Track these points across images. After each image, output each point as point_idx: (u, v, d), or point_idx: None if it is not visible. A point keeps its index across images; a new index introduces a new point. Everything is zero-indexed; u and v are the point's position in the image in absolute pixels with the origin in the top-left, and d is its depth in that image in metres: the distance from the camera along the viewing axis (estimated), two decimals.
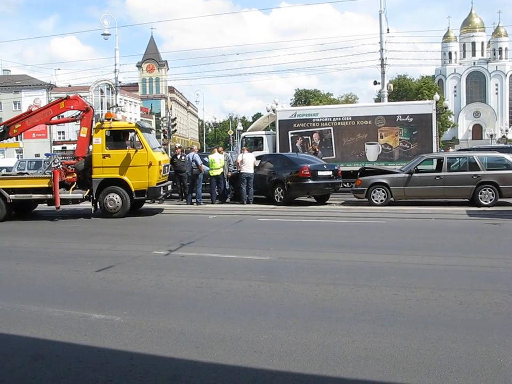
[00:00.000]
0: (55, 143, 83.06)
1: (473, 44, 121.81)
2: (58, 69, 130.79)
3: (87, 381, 4.02)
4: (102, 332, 5.08)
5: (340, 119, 23.21)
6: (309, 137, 23.51)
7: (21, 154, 69.13)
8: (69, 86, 69.35)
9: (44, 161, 29.77)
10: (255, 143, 24.45)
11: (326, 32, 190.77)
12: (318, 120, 23.53)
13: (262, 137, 24.87)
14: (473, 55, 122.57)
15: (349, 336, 4.81)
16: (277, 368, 4.13)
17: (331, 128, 23.28)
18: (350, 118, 23.00)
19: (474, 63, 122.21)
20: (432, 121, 21.74)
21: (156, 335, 4.97)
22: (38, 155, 57.53)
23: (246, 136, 25.98)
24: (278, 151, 23.20)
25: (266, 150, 23.63)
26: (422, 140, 21.62)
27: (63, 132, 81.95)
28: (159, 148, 16.62)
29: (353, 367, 4.11)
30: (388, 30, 31.79)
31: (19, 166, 29.90)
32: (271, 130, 27.20)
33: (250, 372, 4.11)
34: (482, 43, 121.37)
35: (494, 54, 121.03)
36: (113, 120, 15.52)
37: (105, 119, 15.46)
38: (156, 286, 7.02)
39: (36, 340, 4.96)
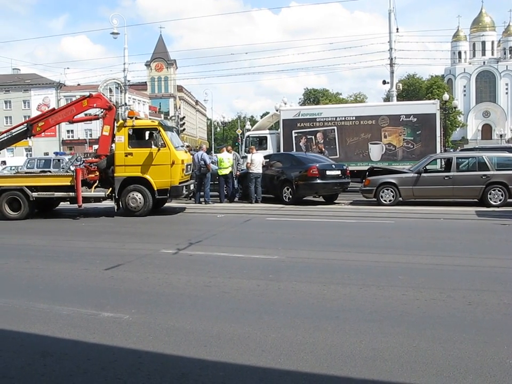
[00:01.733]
0: (64, 142, 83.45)
1: (483, 43, 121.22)
2: (68, 68, 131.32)
3: (95, 378, 4.04)
4: (111, 330, 5.10)
5: (343, 118, 23.17)
6: (313, 137, 23.50)
7: (30, 153, 69.44)
8: (78, 84, 69.75)
9: (53, 159, 29.92)
10: (260, 142, 24.43)
11: (335, 32, 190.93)
12: (322, 119, 23.51)
13: (266, 137, 24.92)
14: (483, 54, 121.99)
15: (357, 336, 4.80)
16: (285, 368, 4.14)
17: (335, 127, 23.25)
18: (354, 118, 22.96)
19: (484, 62, 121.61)
20: (436, 121, 21.66)
21: (164, 333, 4.99)
22: (47, 154, 57.74)
23: (250, 136, 26.00)
24: (281, 150, 23.21)
25: (270, 149, 23.67)
26: (426, 140, 21.55)
27: (72, 131, 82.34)
28: (182, 146, 16.58)
29: (361, 367, 4.11)
30: (397, 29, 31.70)
31: (28, 164, 30.00)
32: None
33: (258, 371, 4.11)
34: (493, 42, 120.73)
35: (504, 54, 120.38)
36: (136, 118, 15.53)
37: (128, 117, 15.43)
38: (164, 284, 7.04)
39: (44, 337, 4.99)
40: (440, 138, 21.69)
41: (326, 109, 25.74)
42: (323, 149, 21.89)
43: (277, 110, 29.42)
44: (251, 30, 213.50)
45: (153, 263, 8.46)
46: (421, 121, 21.78)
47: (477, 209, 15.10)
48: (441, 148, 21.93)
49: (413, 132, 21.92)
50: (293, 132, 23.74)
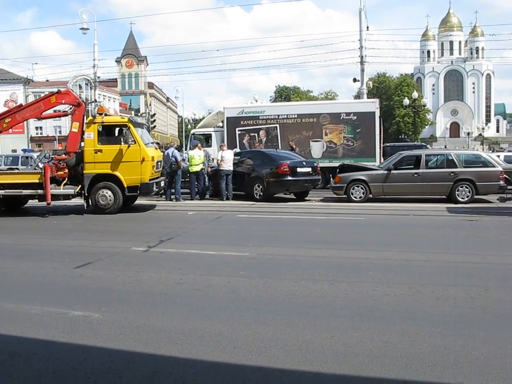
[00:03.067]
0: (32, 139, 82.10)
1: (451, 43, 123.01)
2: (36, 63, 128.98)
3: (65, 378, 4.00)
4: (81, 329, 5.05)
5: (286, 116, 23.50)
6: (256, 134, 23.76)
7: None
8: (47, 80, 68.64)
9: (21, 156, 29.42)
10: (206, 140, 24.61)
11: (307, 30, 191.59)
12: (265, 117, 23.79)
13: (210, 134, 25.16)
14: (451, 54, 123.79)
15: (327, 331, 4.84)
16: (256, 364, 4.15)
17: (277, 125, 23.57)
18: (296, 116, 23.31)
19: (452, 61, 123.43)
20: (375, 119, 22.05)
21: (135, 331, 4.96)
22: (15, 151, 56.71)
23: (196, 133, 26.20)
24: None
25: (214, 147, 23.79)
26: (365, 138, 21.90)
27: (41, 128, 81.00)
28: (152, 143, 16.44)
29: (332, 362, 4.15)
30: (367, 27, 31.94)
31: None
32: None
33: (230, 367, 4.12)
34: (460, 42, 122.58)
35: (471, 53, 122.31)
36: (106, 114, 15.34)
37: (98, 113, 15.22)
38: (135, 282, 6.99)
39: (13, 337, 4.91)
40: (380, 136, 22.01)
41: (269, 107, 26.03)
42: (294, 146, 21.99)
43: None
44: (223, 28, 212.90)
45: (123, 261, 8.40)
46: (360, 119, 22.21)
47: (445, 206, 15.34)
48: (380, 146, 22.27)
49: (353, 129, 22.34)
50: (237, 129, 23.99)
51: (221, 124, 26.49)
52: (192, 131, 27.81)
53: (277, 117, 23.61)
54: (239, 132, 23.91)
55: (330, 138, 22.68)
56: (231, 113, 24.34)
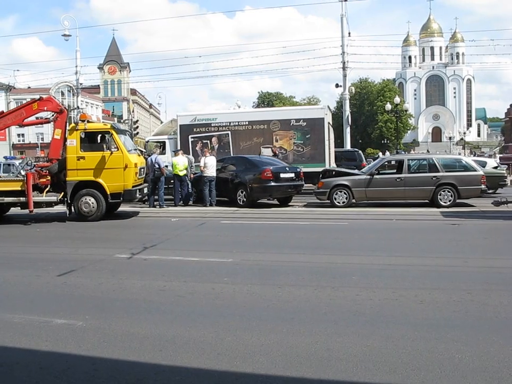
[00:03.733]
0: (14, 146, 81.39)
1: (432, 48, 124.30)
2: (18, 70, 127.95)
3: None
4: (64, 337, 5.01)
5: (237, 123, 23.81)
6: (208, 141, 24.07)
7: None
8: (29, 87, 68.01)
9: (3, 164, 29.20)
10: (161, 147, 24.85)
11: (290, 36, 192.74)
12: (217, 124, 24.07)
13: (164, 142, 25.44)
14: (432, 59, 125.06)
15: (312, 336, 4.85)
16: (241, 370, 4.15)
17: (229, 132, 23.87)
18: (247, 123, 23.57)
19: (433, 67, 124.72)
20: (324, 125, 22.30)
21: (119, 339, 4.93)
22: None
23: (150, 140, 26.65)
24: None
25: (168, 154, 24.10)
26: (315, 143, 22.16)
27: (23, 135, 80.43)
28: (135, 150, 16.38)
29: (317, 367, 4.16)
30: (349, 33, 32.25)
31: None
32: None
33: (214, 374, 4.11)
34: (441, 48, 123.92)
35: (452, 59, 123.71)
36: (88, 121, 15.24)
37: (80, 120, 15.11)
38: (118, 289, 6.95)
39: None
40: (329, 142, 22.28)
41: (221, 114, 26.24)
42: (277, 152, 22.05)
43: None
44: (206, 34, 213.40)
45: (107, 268, 8.35)
46: (310, 125, 22.48)
47: (428, 210, 15.46)
48: (329, 151, 22.54)
49: (303, 135, 22.61)
50: (190, 136, 24.26)
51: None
52: (147, 139, 28.14)
53: (228, 124, 23.96)
54: (192, 139, 24.21)
55: (280, 144, 23.07)
56: (184, 120, 24.61)
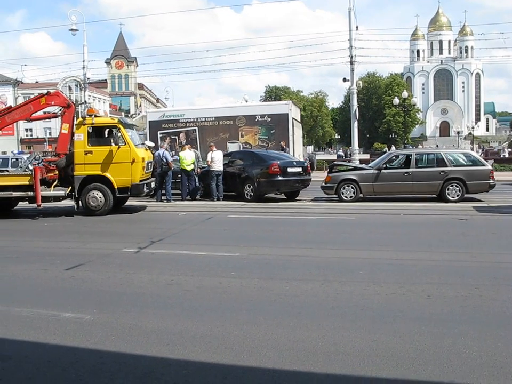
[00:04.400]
0: (22, 140, 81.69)
1: (441, 42, 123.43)
2: (25, 65, 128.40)
3: (56, 380, 3.98)
4: (72, 331, 5.03)
5: (204, 119, 24.39)
6: (176, 137, 24.70)
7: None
8: (36, 82, 68.26)
9: (11, 158, 29.26)
10: None
11: (297, 30, 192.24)
12: (184, 120, 24.72)
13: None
14: (441, 53, 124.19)
15: (319, 331, 4.85)
16: (248, 364, 4.15)
17: (196, 128, 24.47)
18: (213, 118, 24.02)
19: (441, 61, 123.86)
20: (288, 120, 22.38)
21: (126, 333, 4.95)
22: (5, 153, 56.42)
23: None
24: None
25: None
26: (279, 139, 22.36)
27: (31, 129, 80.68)
28: (142, 144, 16.41)
29: (324, 361, 4.16)
30: (357, 27, 31.94)
31: None
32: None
33: (222, 368, 4.12)
34: (449, 41, 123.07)
35: (461, 53, 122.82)
36: (96, 116, 15.26)
37: (87, 115, 15.12)
38: (126, 283, 6.97)
39: (3, 340, 4.89)
40: (293, 137, 22.38)
41: (188, 110, 26.53)
42: (285, 146, 22.05)
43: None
44: (214, 28, 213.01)
45: (114, 262, 8.38)
46: (274, 121, 22.69)
47: (435, 205, 15.41)
48: (293, 146, 22.63)
49: (268, 131, 22.85)
50: (158, 132, 24.78)
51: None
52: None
53: (195, 120, 24.55)
54: (161, 135, 24.71)
55: (246, 139, 23.48)
56: (153, 117, 25.23)
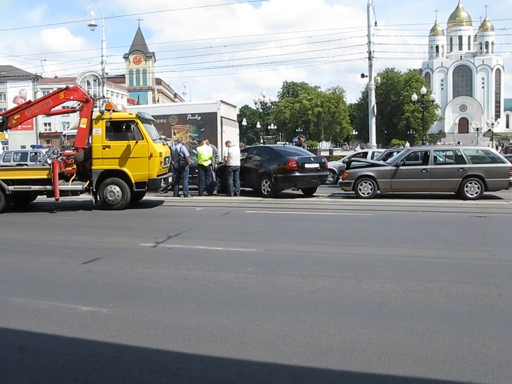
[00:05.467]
0: (41, 135, 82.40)
1: (460, 37, 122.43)
2: (45, 60, 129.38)
3: (73, 373, 4.01)
4: (89, 324, 5.07)
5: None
6: None
7: (7, 146, 68.28)
8: (55, 77, 68.76)
9: (30, 152, 29.55)
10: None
11: (315, 26, 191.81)
12: None
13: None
14: (460, 48, 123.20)
15: (335, 327, 4.83)
16: (264, 360, 4.14)
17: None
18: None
19: (461, 56, 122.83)
20: (217, 119, 22.41)
21: (143, 327, 4.97)
22: (24, 147, 56.98)
23: (66, 134, 27.74)
24: None
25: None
26: (208, 136, 22.35)
27: (49, 124, 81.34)
28: (160, 139, 16.46)
29: (340, 358, 4.14)
30: (375, 23, 31.81)
31: (5, 157, 29.57)
32: None
33: (237, 363, 4.12)
34: (469, 37, 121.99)
35: (481, 48, 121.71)
36: (114, 110, 15.32)
37: (106, 109, 15.20)
38: (143, 278, 7.00)
39: (21, 332, 4.94)
40: (221, 135, 22.50)
41: (128, 109, 26.96)
42: (303, 142, 22.00)
43: (257, 103, 29.48)
44: (232, 24, 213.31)
45: (131, 257, 8.42)
46: (204, 119, 22.82)
47: (454, 202, 15.28)
48: (221, 143, 22.66)
49: (198, 129, 23.01)
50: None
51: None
52: (64, 132, 29.19)
53: None
54: None
55: (178, 137, 23.45)
56: (94, 115, 25.57)
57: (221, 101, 22.72)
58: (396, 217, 13.14)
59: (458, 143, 69.49)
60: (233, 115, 24.65)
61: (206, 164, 18.30)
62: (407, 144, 65.60)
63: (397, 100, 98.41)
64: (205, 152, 18.32)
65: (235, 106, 24.57)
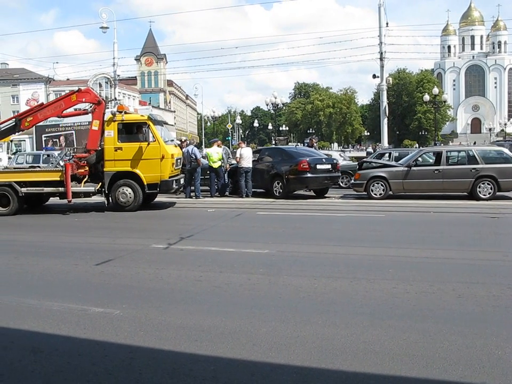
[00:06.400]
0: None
1: (472, 37, 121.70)
2: (57, 62, 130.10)
3: (86, 374, 4.03)
4: (101, 325, 5.09)
5: (79, 123, 27.04)
6: (57, 140, 28.10)
7: (19, 148, 68.69)
8: (67, 79, 69.18)
9: (42, 154, 29.70)
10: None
11: (327, 27, 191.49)
12: (64, 125, 27.76)
13: (25, 140, 30.29)
14: (472, 48, 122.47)
15: (347, 329, 4.82)
16: (276, 361, 4.14)
17: (73, 131, 27.80)
18: (87, 123, 24.63)
19: (473, 56, 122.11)
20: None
21: (155, 328, 4.98)
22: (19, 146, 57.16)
23: (13, 140, 30.11)
24: None
25: (29, 150, 28.37)
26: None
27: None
28: (172, 141, 16.45)
29: (352, 360, 4.13)
30: (387, 23, 31.67)
31: (17, 159, 29.73)
32: None
33: (249, 364, 4.12)
34: (482, 36, 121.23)
35: (493, 48, 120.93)
36: (125, 112, 15.36)
37: (117, 111, 15.25)
38: (155, 279, 7.03)
39: (35, 333, 4.97)
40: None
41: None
42: (314, 143, 21.96)
43: (269, 104, 29.35)
44: (244, 25, 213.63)
45: (144, 258, 8.44)
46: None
47: (466, 202, 15.19)
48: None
49: None
50: (43, 136, 28.26)
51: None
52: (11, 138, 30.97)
53: (73, 124, 27.56)
54: (45, 138, 28.28)
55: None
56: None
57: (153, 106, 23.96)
58: (408, 218, 13.08)
59: (474, 143, 68.99)
60: (171, 120, 25.74)
61: (215, 165, 18.28)
62: (416, 145, 65.45)
63: (409, 100, 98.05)
64: (213, 153, 18.33)
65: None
